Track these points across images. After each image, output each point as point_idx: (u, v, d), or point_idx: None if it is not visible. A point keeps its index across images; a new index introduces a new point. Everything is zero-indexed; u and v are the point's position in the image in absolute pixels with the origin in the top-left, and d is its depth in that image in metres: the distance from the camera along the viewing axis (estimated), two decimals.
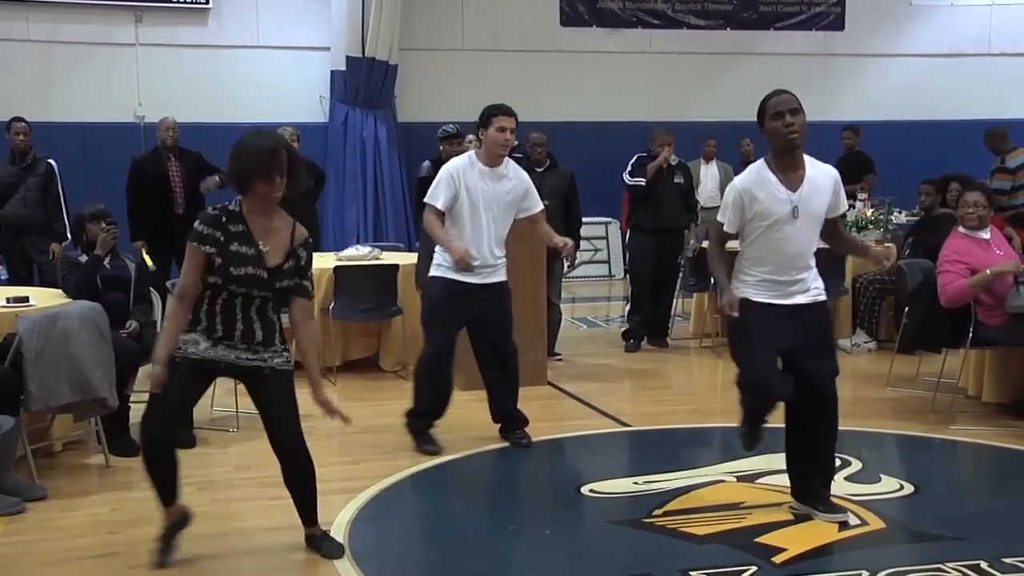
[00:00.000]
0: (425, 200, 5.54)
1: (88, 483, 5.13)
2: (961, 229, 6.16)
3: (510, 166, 5.60)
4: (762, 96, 4.29)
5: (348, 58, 12.29)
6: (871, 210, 9.42)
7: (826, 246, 4.52)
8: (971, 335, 5.95)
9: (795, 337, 4.22)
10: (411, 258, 7.96)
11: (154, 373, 3.78)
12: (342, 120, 12.50)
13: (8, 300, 5.49)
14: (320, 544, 4.11)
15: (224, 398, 6.45)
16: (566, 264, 8.25)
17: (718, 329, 8.70)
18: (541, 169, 8.08)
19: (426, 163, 7.66)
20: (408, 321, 7.48)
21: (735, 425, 4.55)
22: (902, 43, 14.40)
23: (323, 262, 7.65)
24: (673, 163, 8.53)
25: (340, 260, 7.75)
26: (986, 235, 6.10)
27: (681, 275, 8.86)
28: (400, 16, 12.48)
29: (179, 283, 3.89)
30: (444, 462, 5.41)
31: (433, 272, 5.56)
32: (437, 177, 5.54)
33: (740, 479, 5.01)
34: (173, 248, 8.55)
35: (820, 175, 4.26)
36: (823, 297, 4.33)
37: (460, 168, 5.50)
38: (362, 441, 5.85)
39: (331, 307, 7.26)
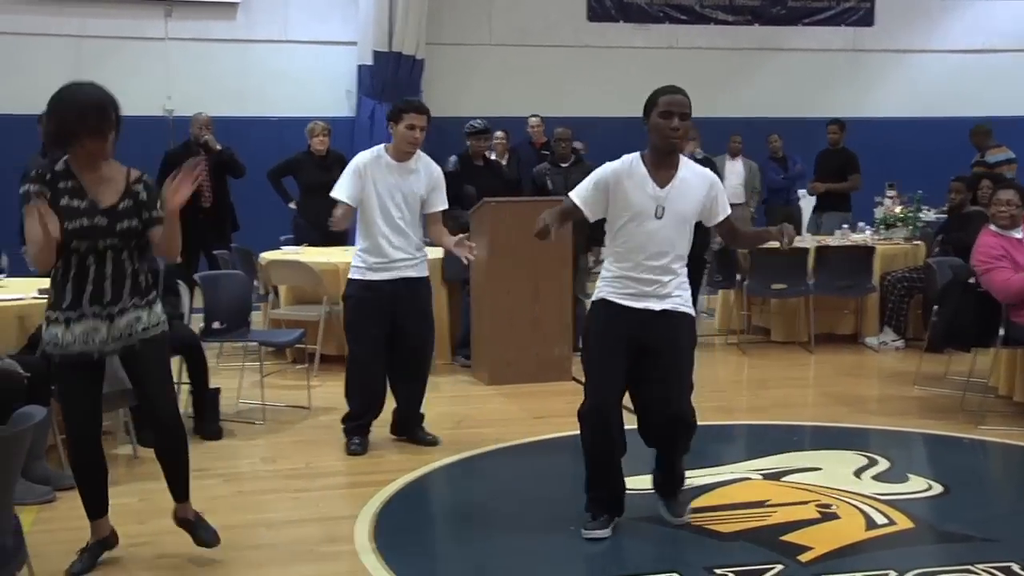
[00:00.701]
0: (332, 194, 5.50)
1: (116, 473, 5.14)
2: (992, 227, 6.10)
3: (421, 160, 5.54)
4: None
5: (375, 52, 12.30)
6: (900, 207, 9.36)
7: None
8: (1002, 334, 5.88)
9: (646, 342, 4.08)
10: (436, 253, 7.96)
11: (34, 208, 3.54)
12: (369, 114, 12.51)
13: (39, 291, 5.53)
14: (195, 529, 3.98)
15: (251, 390, 6.50)
16: (591, 259, 8.27)
17: (744, 326, 8.67)
18: (566, 164, 8.09)
19: (452, 158, 7.68)
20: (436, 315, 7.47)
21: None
22: (934, 39, 14.25)
23: (349, 255, 7.65)
24: (699, 158, 8.47)
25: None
26: (1018, 234, 6.04)
27: (706, 271, 8.82)
28: (427, 11, 12.48)
29: (28, 235, 3.60)
30: (468, 457, 5.42)
31: (352, 274, 5.50)
32: (344, 171, 5.52)
33: (766, 477, 4.99)
34: (200, 241, 8.61)
35: (695, 177, 4.15)
36: (684, 309, 4.17)
37: (366, 162, 5.46)
38: (387, 434, 5.87)
39: None
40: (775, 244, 4.28)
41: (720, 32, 13.81)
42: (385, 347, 5.50)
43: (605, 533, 4.23)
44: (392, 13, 12.20)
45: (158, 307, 3.84)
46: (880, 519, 4.40)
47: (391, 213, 5.38)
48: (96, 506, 3.93)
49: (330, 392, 6.79)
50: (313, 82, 12.33)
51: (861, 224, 9.53)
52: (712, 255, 8.73)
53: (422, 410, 5.74)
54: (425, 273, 5.56)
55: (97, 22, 11.82)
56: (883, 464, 5.18)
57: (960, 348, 6.75)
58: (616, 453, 4.25)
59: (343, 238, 8.94)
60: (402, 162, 5.44)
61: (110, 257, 3.67)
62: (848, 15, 14.15)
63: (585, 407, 4.20)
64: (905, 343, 8.40)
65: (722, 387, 7.36)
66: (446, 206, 5.65)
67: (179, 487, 3.97)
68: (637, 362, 4.14)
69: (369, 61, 12.37)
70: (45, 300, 5.27)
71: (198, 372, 5.80)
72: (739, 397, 7.27)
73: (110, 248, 3.66)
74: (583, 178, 8.13)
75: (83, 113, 3.60)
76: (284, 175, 8.98)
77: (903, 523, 4.37)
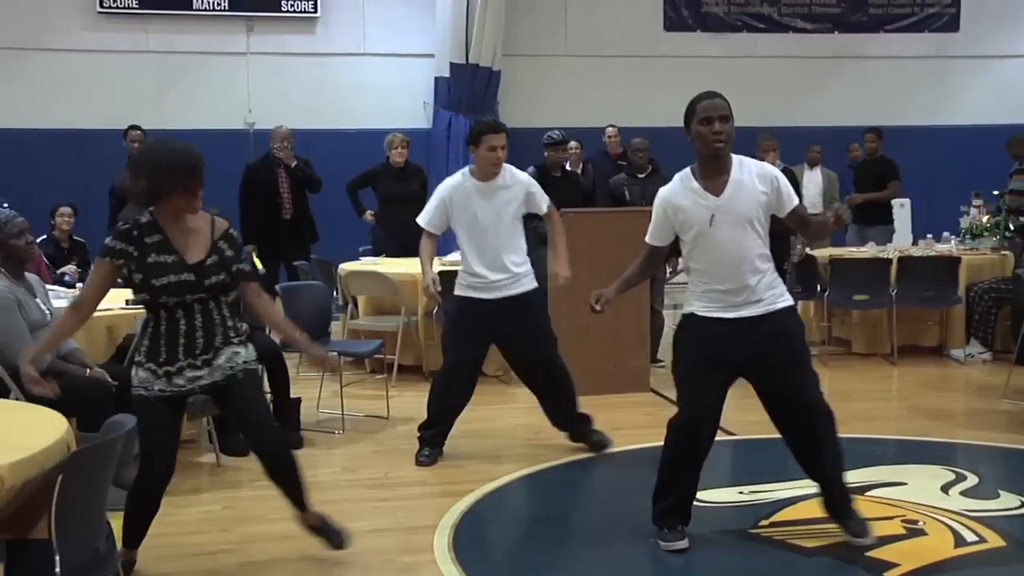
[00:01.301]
0: (418, 220, 5.61)
1: (200, 481, 5.27)
2: None
3: (507, 173, 5.54)
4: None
5: (452, 64, 12.39)
6: (987, 216, 9.14)
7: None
8: None
9: (749, 352, 4.03)
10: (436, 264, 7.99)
11: (23, 372, 3.60)
12: (446, 126, 12.61)
13: (128, 301, 5.66)
14: (323, 533, 4.02)
15: (330, 400, 6.57)
16: (668, 270, 8.21)
17: (824, 337, 8.53)
18: (643, 175, 8.05)
19: (531, 168, 7.67)
20: None
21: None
22: (1020, 44, 13.90)
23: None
24: (779, 168, 8.37)
25: (445, 264, 7.80)
26: None
27: (787, 281, 8.70)
28: (503, 23, 12.54)
29: (80, 295, 3.76)
30: (547, 467, 5.41)
31: (455, 291, 5.55)
32: (431, 198, 5.61)
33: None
34: (281, 252, 8.75)
35: (748, 176, 4.07)
36: (781, 304, 4.09)
37: (454, 188, 5.50)
38: (465, 445, 5.89)
39: (435, 311, 7.32)
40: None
41: (799, 40, 13.64)
42: (475, 365, 5.59)
43: (684, 544, 4.19)
44: (469, 25, 12.28)
45: (251, 345, 3.91)
46: (970, 536, 4.28)
47: (480, 234, 5.43)
48: (139, 537, 3.95)
49: (408, 402, 6.84)
50: (390, 94, 12.47)
51: (946, 234, 9.33)
52: (792, 266, 8.61)
53: (583, 411, 5.72)
54: (528, 287, 5.54)
55: (182, 38, 12.11)
56: (972, 479, 5.05)
57: None
58: (698, 466, 4.21)
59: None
60: (488, 181, 5.46)
61: (198, 310, 3.73)
62: (932, 21, 13.86)
63: (678, 421, 4.17)
64: (993, 355, 8.18)
65: None
66: (547, 201, 5.67)
67: (297, 499, 4.02)
68: (751, 369, 4.11)
69: (446, 73, 12.47)
70: (132, 310, 5.43)
71: (279, 382, 5.89)
72: None
73: (198, 301, 3.72)
74: (660, 188, 8.13)
75: (174, 172, 3.66)
76: (362, 187, 9.07)
77: (994, 541, 4.25)
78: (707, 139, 4.01)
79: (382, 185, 8.96)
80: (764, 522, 4.49)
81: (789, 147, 10.29)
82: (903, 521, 4.44)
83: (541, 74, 12.96)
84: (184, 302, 3.69)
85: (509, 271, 5.45)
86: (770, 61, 13.50)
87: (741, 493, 4.91)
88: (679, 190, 4.12)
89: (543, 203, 5.62)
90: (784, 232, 8.26)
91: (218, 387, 3.80)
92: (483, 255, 5.42)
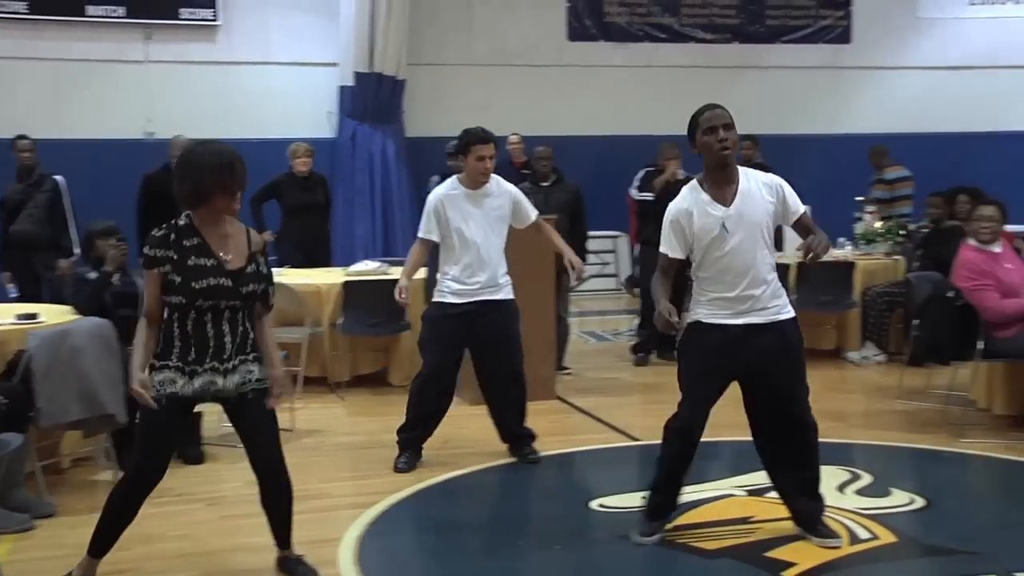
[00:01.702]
0: (419, 234, 5.63)
1: (97, 499, 5.09)
2: (972, 242, 6.15)
3: (494, 182, 5.61)
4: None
5: (356, 73, 12.32)
6: (880, 222, 9.42)
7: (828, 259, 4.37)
8: (981, 348, 5.93)
9: (751, 359, 4.13)
10: (420, 273, 7.96)
11: (138, 395, 3.68)
12: (350, 135, 12.52)
13: (18, 317, 5.51)
14: (295, 568, 4.01)
15: None
16: (574, 278, 8.28)
17: None
18: (547, 184, 8.10)
19: (434, 178, 7.68)
20: (416, 336, 7.47)
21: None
22: (909, 56, 14.38)
23: (332, 277, 7.67)
24: (680, 177, 8.52)
25: (349, 275, 7.76)
26: (997, 248, 6.09)
27: (690, 288, 8.83)
28: (408, 31, 12.51)
29: (144, 308, 3.77)
30: (454, 477, 5.41)
31: (434, 297, 5.59)
32: (425, 209, 5.62)
33: (750, 493, 4.99)
34: None
35: (756, 185, 4.16)
36: (784, 316, 4.19)
37: (442, 196, 5.56)
38: (371, 456, 5.86)
39: (340, 322, 7.27)
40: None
41: (700, 50, 13.89)
42: (454, 369, 5.63)
43: (655, 540, 4.32)
44: (373, 33, 12.22)
45: (261, 364, 3.87)
46: (863, 534, 4.41)
47: (471, 241, 5.46)
48: (108, 546, 3.89)
49: (313, 414, 6.78)
50: (294, 103, 12.34)
51: (841, 240, 9.59)
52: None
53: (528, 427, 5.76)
54: (509, 296, 5.60)
55: (78, 45, 11.81)
56: (866, 478, 5.20)
57: (940, 362, 6.80)
58: (684, 465, 4.33)
59: (326, 260, 8.94)
60: (478, 189, 5.50)
61: (227, 317, 3.73)
62: (826, 32, 14.27)
63: (677, 423, 4.28)
64: (887, 357, 8.43)
65: None
66: (535, 214, 5.75)
67: (284, 534, 4.00)
68: (749, 375, 4.18)
69: (350, 82, 12.39)
70: (23, 326, 5.29)
71: None
72: (724, 413, 7.19)
73: (229, 308, 3.73)
74: (564, 197, 8.21)
75: (215, 171, 3.67)
76: (267, 199, 8.88)
77: (886, 537, 4.39)
78: (713, 148, 4.07)
79: (286, 195, 8.85)
80: (667, 526, 4.54)
81: (692, 156, 10.46)
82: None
83: (446, 83, 12.97)
84: (218, 307, 3.70)
85: (494, 278, 5.52)
86: (671, 70, 13.71)
87: (645, 498, 4.95)
88: (688, 201, 4.18)
89: (532, 213, 5.71)
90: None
91: (228, 399, 3.80)
92: (470, 262, 5.47)
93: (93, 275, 5.82)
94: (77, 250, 7.88)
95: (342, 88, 12.49)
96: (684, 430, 4.26)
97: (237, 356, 3.76)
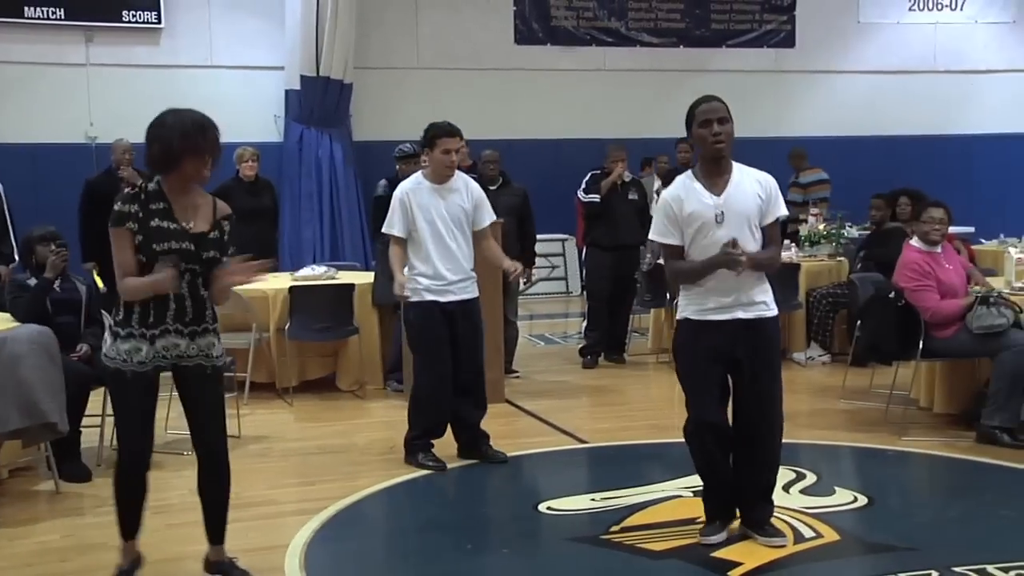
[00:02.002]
0: (383, 230, 5.58)
1: (37, 510, 5.05)
2: (914, 242, 6.24)
3: (460, 179, 5.64)
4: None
5: (302, 77, 12.25)
6: (823, 224, 9.55)
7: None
8: (921, 348, 6.03)
9: (738, 355, 4.18)
10: (367, 277, 7.94)
11: (165, 277, 3.63)
12: (297, 139, 12.46)
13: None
14: (230, 572, 3.95)
15: (178, 420, 6.35)
16: (522, 281, 8.30)
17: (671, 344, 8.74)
18: (494, 187, 8.10)
19: (382, 182, 7.65)
20: (364, 341, 7.46)
21: None
22: (851, 60, 14.62)
23: (279, 282, 7.61)
24: (627, 179, 8.58)
25: (296, 280, 7.71)
26: (938, 249, 6.20)
27: (637, 291, 8.90)
28: (354, 35, 12.47)
29: (119, 266, 3.68)
30: (401, 482, 5.39)
31: (412, 297, 5.51)
32: (391, 204, 5.58)
33: (696, 494, 4.99)
34: None
35: (748, 180, 4.23)
36: (770, 313, 4.25)
37: (409, 190, 5.54)
38: (319, 462, 5.83)
39: (287, 327, 7.22)
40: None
41: (646, 54, 14.01)
42: (449, 367, 5.57)
43: (720, 537, 4.31)
44: (319, 37, 12.16)
45: (219, 337, 3.87)
46: (808, 533, 4.46)
47: (441, 235, 5.45)
48: (136, 525, 3.90)
49: (260, 420, 6.72)
50: (240, 108, 12.19)
51: (786, 242, 9.70)
52: (642, 275, 8.81)
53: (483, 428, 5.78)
54: (476, 294, 5.61)
55: (16, 47, 11.62)
56: (811, 478, 5.26)
57: (883, 362, 6.90)
58: (723, 463, 4.33)
59: (272, 264, 8.86)
60: (443, 184, 5.50)
61: (187, 280, 3.71)
62: (770, 37, 14.46)
63: (690, 427, 4.32)
64: (831, 358, 8.54)
65: (656, 406, 7.41)
66: (494, 218, 5.76)
67: (216, 527, 3.94)
68: (735, 372, 4.22)
69: (297, 86, 12.32)
70: None
71: None
72: (671, 415, 7.29)
73: (189, 271, 3.71)
74: (511, 200, 8.21)
75: (186, 134, 3.66)
76: None
77: (829, 536, 4.44)
78: (707, 141, 4.14)
79: (233, 200, 8.68)
80: (615, 528, 4.57)
81: (638, 158, 10.55)
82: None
83: (393, 87, 12.94)
84: (177, 268, 3.67)
85: (465, 273, 5.52)
86: (618, 74, 13.83)
87: (593, 500, 5.00)
88: (680, 188, 4.22)
89: (488, 218, 5.69)
90: (635, 243, 8.55)
91: (185, 368, 3.77)
92: (443, 255, 5.45)
93: (32, 281, 5.72)
94: (16, 256, 7.73)
95: (288, 92, 12.42)
96: (699, 430, 4.30)
97: (199, 323, 3.75)
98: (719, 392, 4.28)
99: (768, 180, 4.27)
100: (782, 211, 4.29)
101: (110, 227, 3.69)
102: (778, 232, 4.37)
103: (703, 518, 4.60)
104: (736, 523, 4.42)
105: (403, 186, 5.63)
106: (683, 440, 4.41)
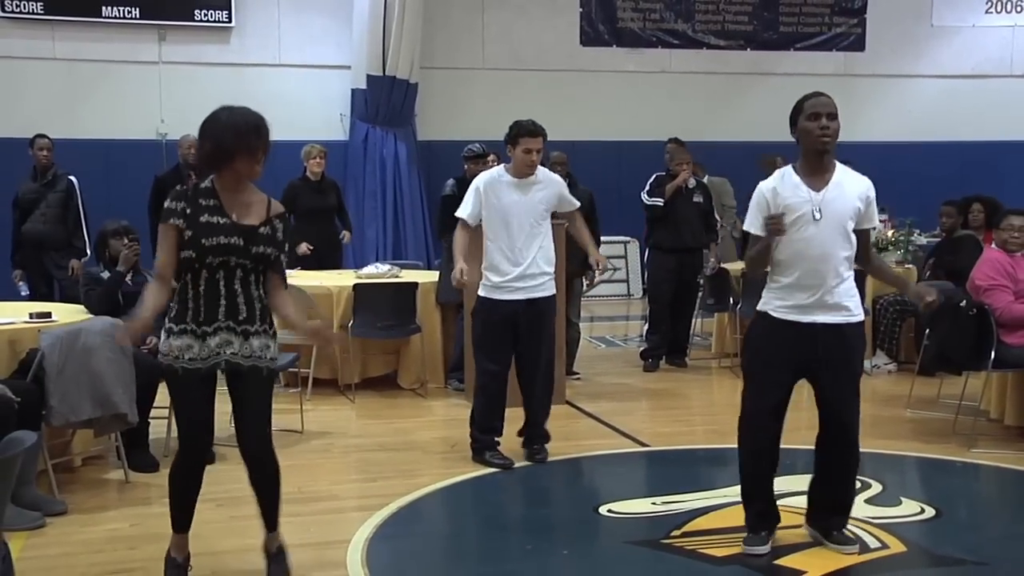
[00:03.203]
0: (456, 213, 5.64)
1: (107, 498, 5.15)
2: (995, 247, 6.16)
3: (540, 173, 5.64)
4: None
5: (369, 76, 12.35)
6: (892, 231, 9.39)
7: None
8: (993, 357, 5.91)
9: (812, 357, 4.11)
10: (431, 276, 7.98)
11: (130, 328, 3.78)
12: (362, 138, 12.56)
13: (31, 316, 5.53)
14: (271, 560, 3.96)
15: None
16: (585, 283, 8.28)
17: (737, 349, 8.66)
18: None
19: (450, 181, 7.69)
20: (427, 339, 7.49)
21: None
22: (923, 64, 14.36)
23: (343, 280, 7.68)
24: (692, 185, 8.51)
25: (360, 278, 7.77)
26: (1020, 255, 6.10)
27: (700, 295, 8.84)
28: (421, 35, 12.54)
29: (156, 263, 3.75)
30: (462, 481, 5.40)
31: (480, 292, 5.56)
32: (467, 191, 5.67)
33: None
34: None
35: (850, 181, 4.17)
36: (855, 319, 4.17)
37: (488, 181, 5.60)
38: (380, 459, 5.87)
39: (350, 324, 7.28)
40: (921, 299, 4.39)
41: (712, 56, 13.91)
42: (508, 367, 5.60)
43: (764, 549, 4.24)
44: (386, 37, 12.25)
45: (275, 339, 3.88)
46: (873, 543, 4.39)
47: (515, 229, 5.48)
48: (188, 519, 3.92)
49: (322, 416, 6.79)
50: (307, 106, 12.37)
51: None
52: (706, 279, 8.75)
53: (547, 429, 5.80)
54: (551, 292, 5.62)
55: (92, 46, 11.88)
56: (876, 487, 5.18)
57: (952, 371, 6.77)
58: (770, 469, 4.28)
59: (336, 262, 8.95)
60: (523, 178, 5.54)
61: (239, 276, 3.72)
62: (839, 40, 14.25)
63: (742, 415, 4.30)
64: (897, 366, 8.40)
65: (717, 411, 7.35)
66: (578, 204, 5.79)
67: (269, 517, 3.96)
68: (808, 374, 4.17)
69: (363, 85, 12.42)
70: (36, 324, 5.30)
71: None
72: (732, 420, 7.19)
73: (240, 267, 3.71)
74: (580, 201, 8.17)
75: (239, 132, 3.68)
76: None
77: (896, 547, 4.37)
78: (814, 134, 4.08)
79: (299, 199, 8.85)
80: (676, 532, 4.54)
81: (703, 161, 10.46)
82: (805, 529, 4.51)
83: (458, 87, 12.99)
84: (228, 264, 3.69)
85: (540, 269, 5.53)
86: (684, 76, 13.74)
87: (654, 504, 4.97)
88: (777, 180, 4.18)
89: (575, 202, 5.74)
90: (698, 246, 8.49)
91: (239, 367, 3.76)
92: (513, 251, 5.47)
93: (105, 275, 5.84)
94: (89, 250, 7.91)
95: (354, 91, 12.53)
96: (749, 420, 4.25)
97: (254, 323, 3.75)
98: (780, 395, 4.18)
99: (870, 186, 4.21)
100: (873, 223, 4.25)
101: (160, 222, 3.73)
102: (869, 241, 4.32)
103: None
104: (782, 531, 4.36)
105: (483, 176, 5.69)
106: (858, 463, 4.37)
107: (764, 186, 4.21)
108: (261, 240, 3.74)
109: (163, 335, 3.77)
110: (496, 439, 5.66)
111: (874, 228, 4.31)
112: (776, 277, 4.19)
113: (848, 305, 4.14)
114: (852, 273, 4.18)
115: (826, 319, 4.10)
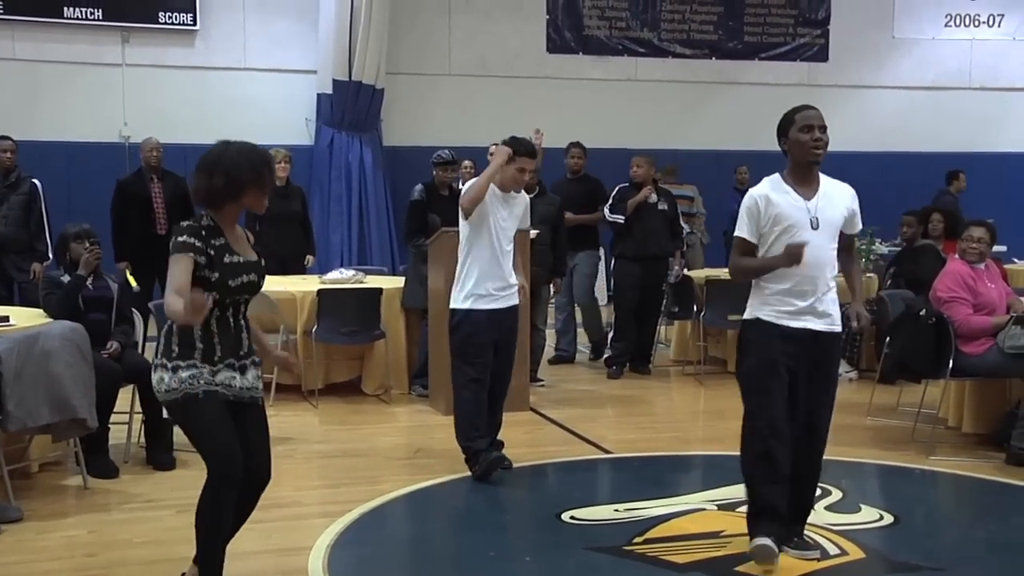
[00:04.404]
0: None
1: (65, 505, 5.09)
2: (959, 257, 6.23)
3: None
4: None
5: (335, 81, 12.32)
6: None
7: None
8: (951, 365, 5.98)
9: (804, 365, 4.15)
10: (395, 282, 7.97)
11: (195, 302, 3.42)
12: (328, 143, 12.52)
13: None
14: None
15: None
16: (552, 290, 8.31)
17: (701, 357, 8.73)
18: (531, 196, 8.11)
19: (419, 186, 7.67)
20: (391, 345, 7.48)
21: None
22: (884, 75, 14.55)
23: (307, 285, 7.65)
24: (653, 201, 8.51)
25: (324, 283, 7.74)
26: (981, 266, 6.17)
27: (664, 302, 8.88)
28: (387, 40, 12.53)
29: (176, 285, 3.47)
30: (425, 487, 5.39)
31: (463, 304, 5.47)
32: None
33: (721, 507, 5.00)
34: (156, 269, 8.51)
35: (835, 189, 4.24)
36: (838, 328, 4.23)
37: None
38: (343, 465, 5.85)
39: (314, 330, 7.25)
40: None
41: (678, 65, 14.00)
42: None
43: (765, 542, 4.11)
44: (352, 42, 12.23)
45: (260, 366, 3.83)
46: (833, 550, 4.43)
47: (501, 242, 5.50)
48: (221, 563, 3.73)
49: (285, 421, 6.75)
50: (272, 110, 12.32)
51: None
52: (669, 287, 8.79)
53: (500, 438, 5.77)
54: (518, 301, 5.65)
55: (54, 47, 11.76)
56: (836, 495, 5.22)
57: (911, 379, 6.85)
58: (778, 477, 4.16)
59: (301, 267, 8.91)
60: (507, 192, 5.57)
61: (242, 312, 3.70)
62: (803, 50, 14.40)
63: (755, 429, 4.17)
64: (858, 374, 8.49)
65: (679, 417, 7.40)
66: (526, 227, 5.74)
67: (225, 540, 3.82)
68: (795, 381, 4.18)
69: (329, 90, 12.39)
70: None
71: (151, 401, 5.73)
72: (695, 427, 7.30)
73: (244, 303, 3.70)
74: (547, 209, 8.22)
75: (254, 167, 3.62)
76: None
77: (855, 554, 4.41)
78: (806, 146, 4.11)
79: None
80: (638, 539, 4.55)
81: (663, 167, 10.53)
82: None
83: (424, 93, 12.99)
84: (238, 302, 3.67)
85: (513, 281, 5.57)
86: (650, 85, 13.82)
87: (616, 511, 4.98)
88: (769, 188, 4.19)
89: (524, 224, 5.74)
90: (663, 254, 8.54)
91: (240, 403, 3.67)
92: (500, 264, 5.48)
93: (66, 278, 5.78)
94: (51, 254, 7.82)
95: (320, 96, 12.49)
96: (766, 430, 4.11)
97: (249, 356, 3.72)
98: (781, 396, 4.14)
99: (853, 195, 4.29)
100: (856, 229, 4.34)
101: (172, 254, 3.53)
102: (854, 247, 4.43)
103: (727, 531, 4.59)
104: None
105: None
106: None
107: (756, 192, 4.22)
108: (265, 273, 3.75)
109: (163, 376, 3.57)
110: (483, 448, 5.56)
111: (855, 234, 4.36)
112: (767, 284, 4.19)
113: (833, 313, 4.21)
114: (835, 282, 4.26)
115: (817, 326, 4.16)
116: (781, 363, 4.13)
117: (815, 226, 4.11)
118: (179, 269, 3.50)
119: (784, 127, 4.21)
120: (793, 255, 4.03)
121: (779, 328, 4.15)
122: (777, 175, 4.25)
